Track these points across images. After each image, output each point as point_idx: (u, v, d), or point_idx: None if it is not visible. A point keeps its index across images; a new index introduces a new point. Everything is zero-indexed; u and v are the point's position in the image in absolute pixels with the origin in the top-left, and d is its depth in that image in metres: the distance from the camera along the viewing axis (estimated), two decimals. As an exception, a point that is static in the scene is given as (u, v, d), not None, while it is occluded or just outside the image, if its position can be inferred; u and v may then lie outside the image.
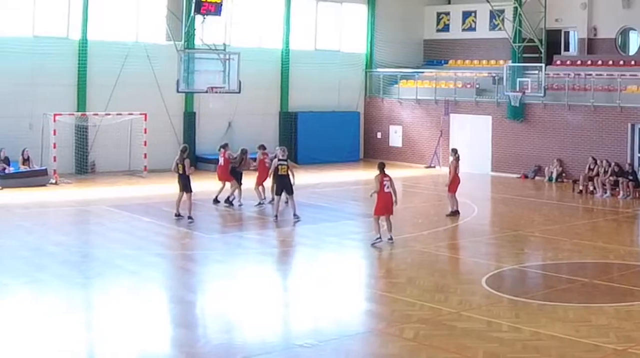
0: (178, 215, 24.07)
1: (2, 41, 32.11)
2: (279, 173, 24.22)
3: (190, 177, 24.05)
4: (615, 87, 34.42)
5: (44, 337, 13.23)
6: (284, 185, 24.19)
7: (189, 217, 23.87)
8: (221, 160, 27.13)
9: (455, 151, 26.15)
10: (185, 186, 24.02)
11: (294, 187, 24.30)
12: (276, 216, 24.42)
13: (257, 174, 26.82)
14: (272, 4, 39.73)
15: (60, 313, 14.61)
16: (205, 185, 28.89)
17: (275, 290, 17.12)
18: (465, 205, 26.55)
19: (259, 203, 26.64)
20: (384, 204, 20.98)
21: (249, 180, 26.95)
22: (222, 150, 27.23)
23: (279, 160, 24.38)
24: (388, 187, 20.92)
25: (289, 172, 24.20)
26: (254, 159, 27.37)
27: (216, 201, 26.96)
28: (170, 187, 25.77)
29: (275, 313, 15.17)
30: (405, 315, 14.60)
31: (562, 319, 14.37)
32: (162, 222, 23.93)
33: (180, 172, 24.07)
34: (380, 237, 20.94)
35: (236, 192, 26.75)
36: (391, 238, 21.03)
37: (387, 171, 21.15)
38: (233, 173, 26.78)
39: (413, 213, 26.23)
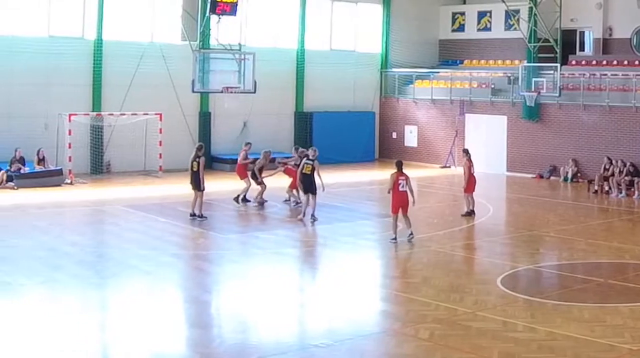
0: (193, 214, 24.11)
1: (18, 41, 32.22)
2: (303, 171, 24.15)
3: (202, 176, 24.00)
4: (630, 87, 34.32)
5: (59, 336, 13.28)
6: (307, 184, 24.13)
7: (200, 215, 23.91)
8: (239, 157, 27.24)
9: (466, 151, 26.11)
10: (197, 185, 24.04)
11: (321, 188, 24.03)
12: (304, 214, 24.25)
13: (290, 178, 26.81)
14: (287, 4, 39.75)
15: (76, 313, 14.65)
16: (220, 185, 28.91)
17: (291, 290, 17.11)
18: (480, 205, 26.49)
19: (295, 203, 26.58)
20: (398, 203, 20.95)
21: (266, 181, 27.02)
22: (244, 146, 27.31)
23: (307, 159, 24.29)
24: (403, 186, 20.82)
25: (314, 173, 24.07)
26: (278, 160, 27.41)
27: (246, 201, 26.90)
28: (185, 187, 25.77)
29: (290, 314, 15.19)
30: (421, 315, 14.58)
31: (577, 319, 14.34)
32: (178, 222, 23.96)
33: (195, 169, 24.12)
34: (395, 238, 20.95)
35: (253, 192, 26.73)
36: (411, 234, 21.02)
37: (404, 170, 21.14)
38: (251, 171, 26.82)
39: (428, 213, 26.18)
